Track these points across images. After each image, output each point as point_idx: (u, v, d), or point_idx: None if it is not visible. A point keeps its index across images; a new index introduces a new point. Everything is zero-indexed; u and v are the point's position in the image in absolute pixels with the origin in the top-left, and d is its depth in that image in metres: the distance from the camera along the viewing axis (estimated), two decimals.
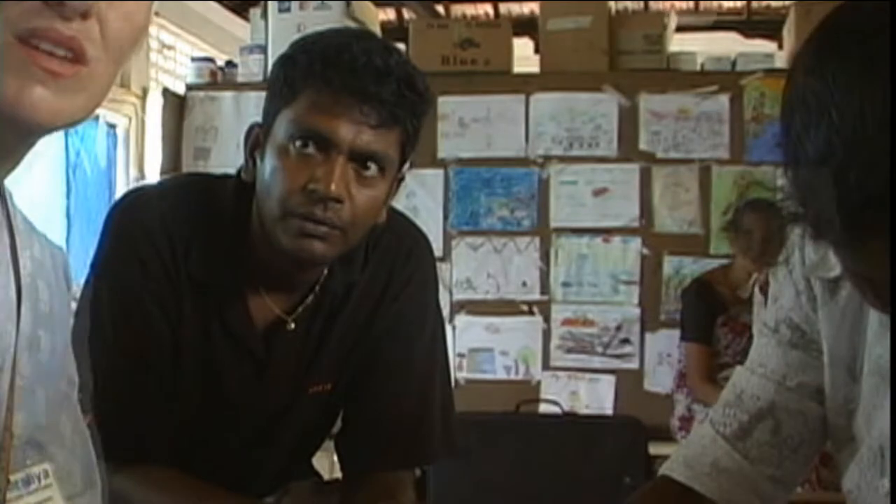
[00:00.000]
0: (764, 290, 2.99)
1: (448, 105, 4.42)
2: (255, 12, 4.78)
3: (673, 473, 1.18)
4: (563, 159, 4.46)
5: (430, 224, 4.07)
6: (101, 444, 0.90)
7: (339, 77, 1.26)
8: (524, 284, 4.45)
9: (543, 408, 4.29)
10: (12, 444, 0.76)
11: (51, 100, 0.70)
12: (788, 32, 4.61)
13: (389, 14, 6.42)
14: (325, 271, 1.41)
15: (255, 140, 1.36)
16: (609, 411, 4.32)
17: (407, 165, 1.39)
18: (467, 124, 4.51)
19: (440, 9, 6.57)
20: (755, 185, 4.19)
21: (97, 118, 4.54)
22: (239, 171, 1.39)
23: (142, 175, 4.80)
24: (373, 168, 1.30)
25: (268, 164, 1.31)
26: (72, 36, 0.70)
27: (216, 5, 5.73)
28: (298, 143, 1.28)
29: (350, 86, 1.26)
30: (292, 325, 1.41)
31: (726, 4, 6.55)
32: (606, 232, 4.41)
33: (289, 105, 1.29)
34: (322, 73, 1.26)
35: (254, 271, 1.39)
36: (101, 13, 0.71)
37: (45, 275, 0.85)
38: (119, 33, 0.73)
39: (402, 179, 1.39)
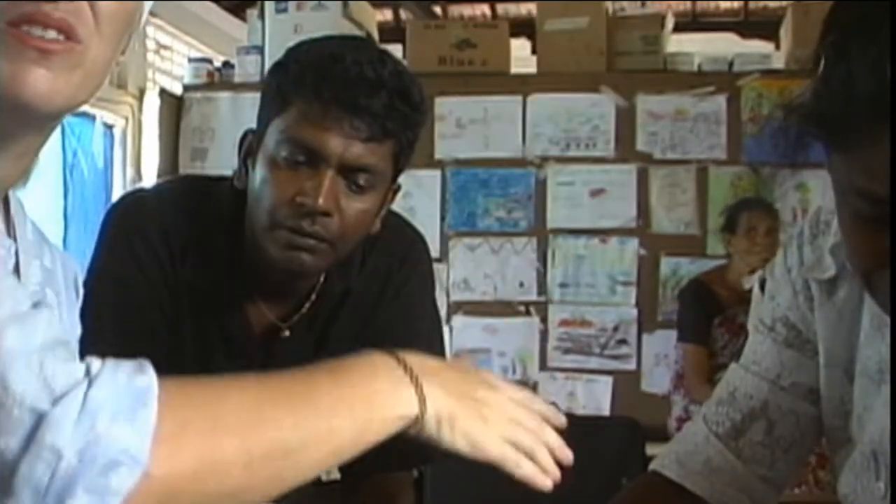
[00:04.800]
0: (763, 288, 2.99)
1: (445, 106, 4.41)
2: (251, 13, 4.78)
3: (664, 470, 1.17)
4: (560, 160, 4.46)
5: (427, 225, 4.06)
6: None
7: (329, 89, 1.24)
8: (521, 285, 4.45)
9: None
10: None
11: (47, 77, 0.72)
12: (785, 33, 4.61)
13: (386, 15, 6.42)
14: (322, 278, 1.40)
15: (249, 147, 1.35)
16: (606, 412, 4.31)
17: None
18: (464, 125, 4.51)
19: (437, 9, 6.57)
20: (750, 184, 4.20)
21: (94, 118, 4.53)
22: (235, 175, 1.39)
23: (139, 176, 4.79)
24: (363, 181, 1.28)
25: (258, 174, 1.29)
26: (60, 17, 0.72)
27: (213, 6, 5.72)
28: (288, 155, 1.26)
29: (340, 98, 1.24)
30: (287, 333, 1.40)
31: (723, 5, 6.56)
32: (603, 233, 4.41)
33: (280, 115, 1.28)
34: (312, 85, 1.25)
35: (249, 278, 1.38)
36: None
37: (55, 284, 0.85)
38: (110, 13, 0.75)
39: (397, 190, 1.38)
